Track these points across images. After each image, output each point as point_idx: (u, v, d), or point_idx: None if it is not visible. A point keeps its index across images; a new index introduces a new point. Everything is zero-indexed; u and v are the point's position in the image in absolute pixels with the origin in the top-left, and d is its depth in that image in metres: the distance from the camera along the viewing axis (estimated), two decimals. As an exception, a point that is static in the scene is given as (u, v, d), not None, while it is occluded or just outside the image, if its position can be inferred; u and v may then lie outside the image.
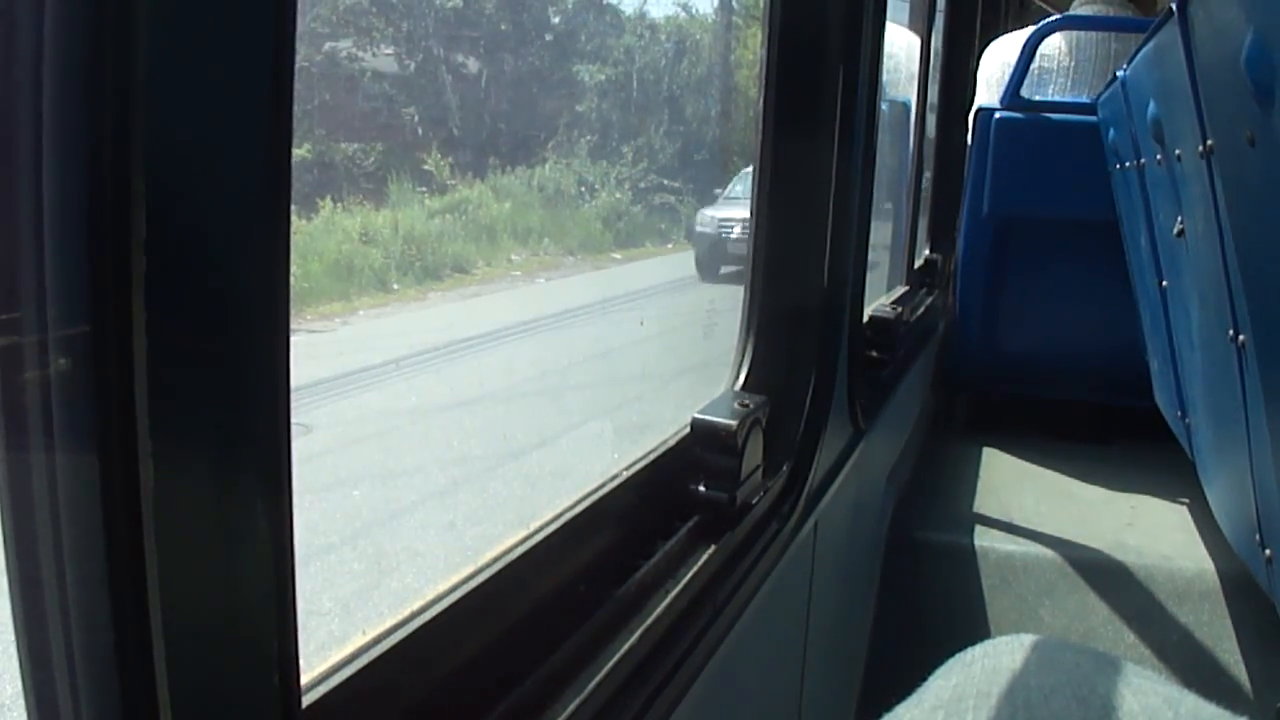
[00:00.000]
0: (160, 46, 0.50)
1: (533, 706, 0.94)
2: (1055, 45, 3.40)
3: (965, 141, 3.65)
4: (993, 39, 3.71)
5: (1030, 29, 3.32)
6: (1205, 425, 2.03)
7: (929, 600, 2.63)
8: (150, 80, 0.50)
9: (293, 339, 0.60)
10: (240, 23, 0.54)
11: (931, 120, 4.28)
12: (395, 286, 3.15)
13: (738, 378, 1.70)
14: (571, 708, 0.95)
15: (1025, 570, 2.59)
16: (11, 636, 0.53)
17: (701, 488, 1.41)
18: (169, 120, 0.51)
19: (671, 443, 1.43)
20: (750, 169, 1.75)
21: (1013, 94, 3.29)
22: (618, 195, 4.07)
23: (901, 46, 4.17)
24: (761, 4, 1.72)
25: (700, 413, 1.43)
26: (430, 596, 0.93)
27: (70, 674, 0.53)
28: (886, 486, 2.69)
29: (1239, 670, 2.40)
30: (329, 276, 2.77)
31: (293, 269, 0.59)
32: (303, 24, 0.58)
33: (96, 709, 0.53)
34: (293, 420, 0.60)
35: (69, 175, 0.50)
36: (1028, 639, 0.84)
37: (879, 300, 3.14)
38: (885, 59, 2.04)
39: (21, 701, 0.54)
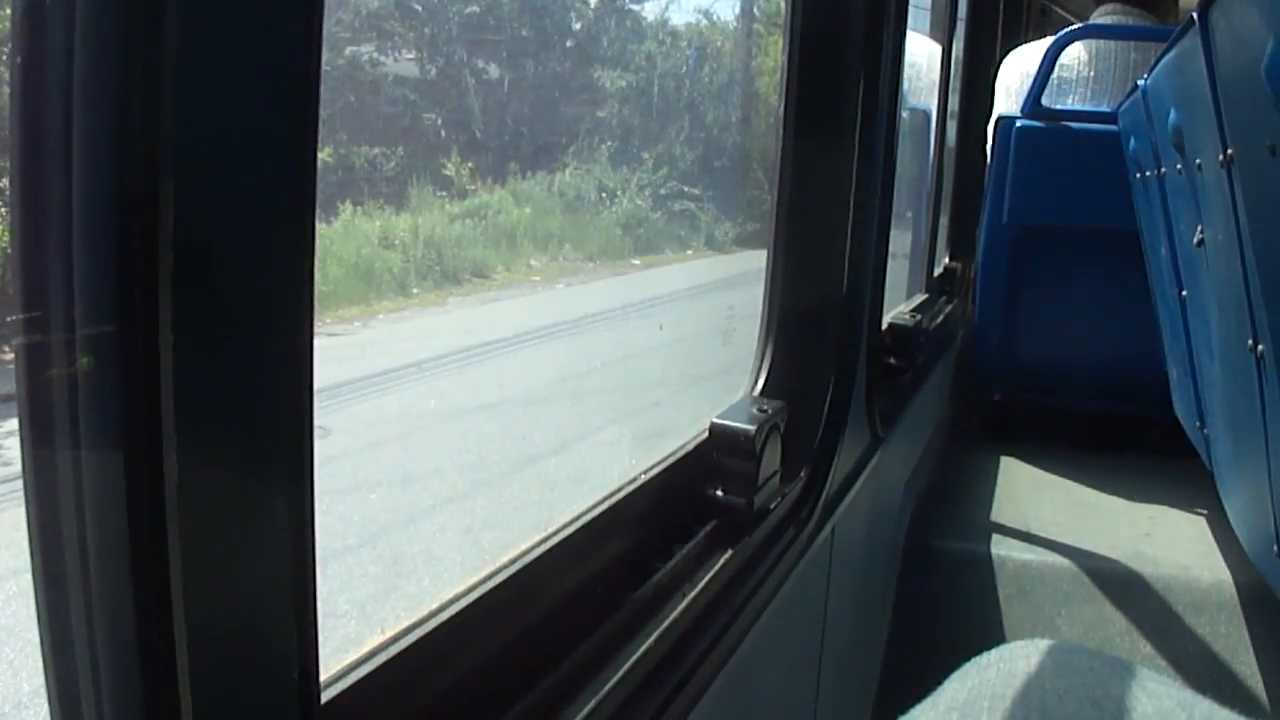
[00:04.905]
0: (188, 47, 0.50)
1: (549, 707, 0.94)
2: (1076, 54, 3.39)
3: (985, 150, 3.64)
4: (1013, 48, 3.71)
5: (1051, 38, 3.32)
6: (1224, 436, 2.02)
7: (945, 608, 2.63)
8: (178, 80, 0.50)
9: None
10: (268, 25, 0.55)
11: (952, 128, 4.27)
12: (415, 290, 3.16)
13: (756, 383, 1.70)
14: (587, 709, 0.95)
15: (1042, 579, 2.58)
16: (34, 631, 0.54)
17: (719, 492, 1.41)
18: (196, 121, 0.52)
19: (689, 447, 1.43)
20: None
21: (1033, 103, 3.28)
22: (638, 202, 4.08)
23: (922, 55, 4.17)
24: (782, 11, 1.73)
25: (719, 417, 1.43)
26: (448, 596, 0.94)
27: (93, 667, 0.54)
28: (904, 494, 2.69)
29: (1255, 682, 2.38)
30: (349, 280, 2.78)
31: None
32: (326, 28, 0.59)
33: (119, 702, 0.54)
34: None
35: (97, 174, 0.51)
36: (1043, 644, 0.84)
37: (898, 308, 3.13)
38: (906, 67, 2.04)
39: (43, 695, 0.54)
